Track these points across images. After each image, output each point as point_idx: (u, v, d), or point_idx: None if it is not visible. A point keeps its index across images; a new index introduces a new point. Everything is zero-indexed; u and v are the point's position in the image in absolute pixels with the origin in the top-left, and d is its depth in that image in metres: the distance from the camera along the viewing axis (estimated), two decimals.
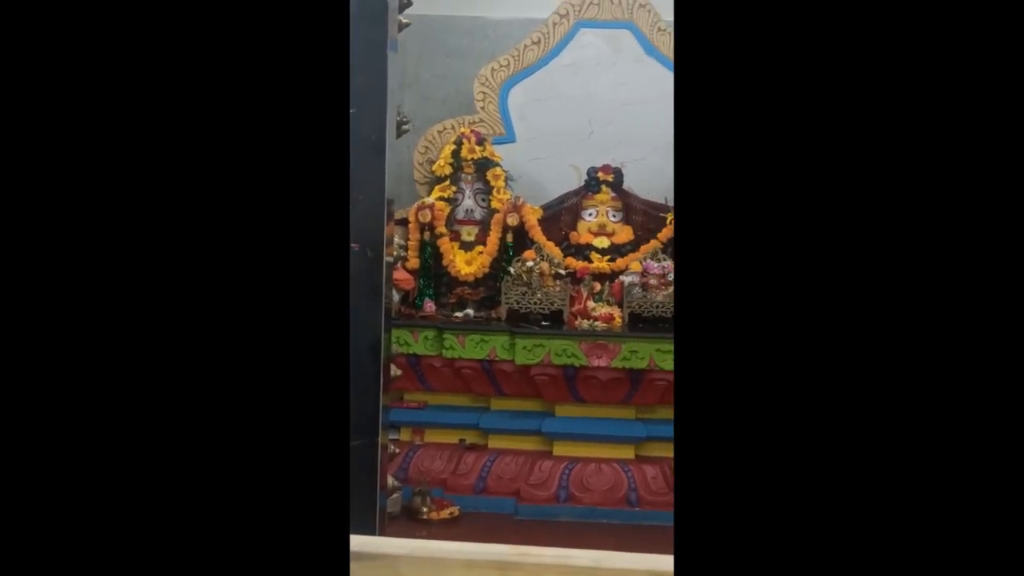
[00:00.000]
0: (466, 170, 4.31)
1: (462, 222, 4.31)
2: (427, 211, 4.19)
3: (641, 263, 4.05)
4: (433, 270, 4.24)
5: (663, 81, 4.47)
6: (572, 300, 4.00)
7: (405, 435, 4.17)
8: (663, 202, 4.31)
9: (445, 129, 4.52)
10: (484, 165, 4.31)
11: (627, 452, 3.93)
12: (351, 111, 1.67)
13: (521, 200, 4.24)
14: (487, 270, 4.21)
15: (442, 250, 4.22)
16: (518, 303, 3.97)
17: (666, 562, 1.09)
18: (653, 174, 4.39)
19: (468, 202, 4.32)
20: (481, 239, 4.27)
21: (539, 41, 4.56)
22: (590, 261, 4.15)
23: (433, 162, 4.41)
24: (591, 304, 4.01)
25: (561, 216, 4.34)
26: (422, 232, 4.21)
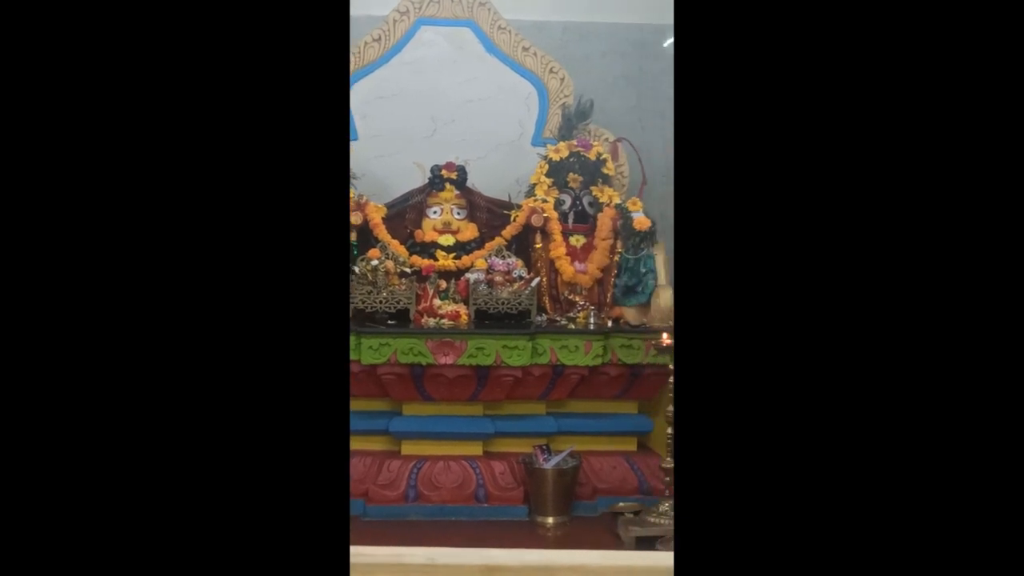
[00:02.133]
0: None
1: None
2: None
3: (486, 260, 4.08)
4: None
5: (504, 79, 4.51)
6: (418, 298, 3.98)
7: None
8: (507, 199, 4.36)
9: None
10: None
11: (475, 449, 3.95)
12: None
13: (365, 199, 4.19)
14: None
15: None
16: (364, 302, 3.92)
17: (501, 555, 1.10)
18: (496, 171, 4.42)
19: None
20: None
21: (380, 38, 4.52)
22: (435, 259, 4.15)
23: None
24: (437, 302, 4.00)
25: (406, 214, 4.31)
26: None
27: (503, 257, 4.07)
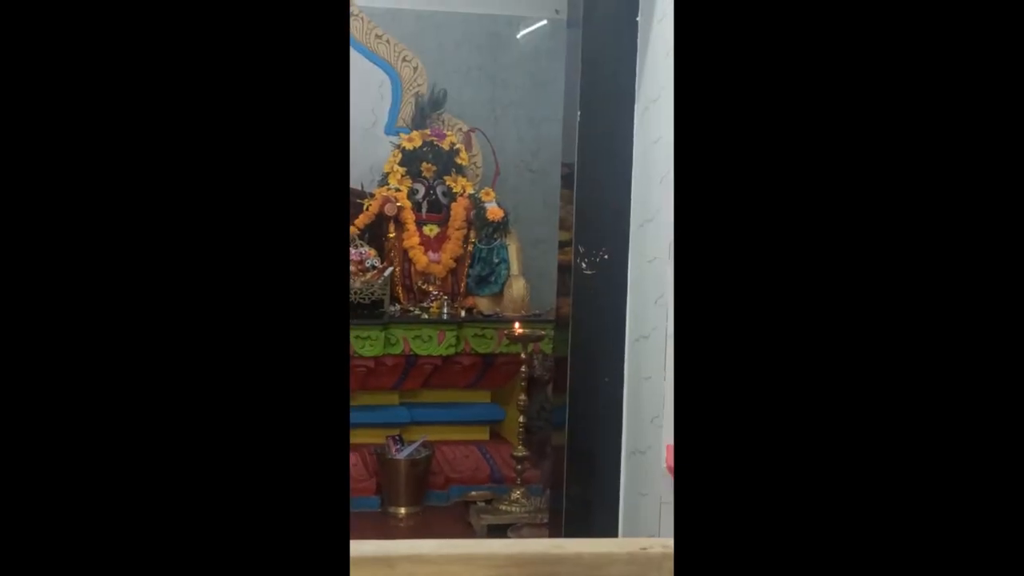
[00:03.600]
0: None
1: None
2: None
3: None
4: None
5: (357, 67, 4.45)
6: None
7: None
8: (359, 188, 4.30)
9: None
10: None
11: None
12: None
13: None
14: None
15: None
16: None
17: (359, 547, 1.08)
18: (350, 160, 4.36)
19: None
20: None
21: None
22: None
23: None
24: None
25: None
26: None
27: (356, 246, 4.03)
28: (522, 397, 3.53)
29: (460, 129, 4.46)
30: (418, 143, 4.24)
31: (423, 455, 3.77)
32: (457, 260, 4.16)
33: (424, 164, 4.22)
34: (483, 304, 4.09)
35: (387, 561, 1.07)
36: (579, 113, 2.47)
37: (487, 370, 4.02)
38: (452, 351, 3.90)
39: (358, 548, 1.07)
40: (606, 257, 2.46)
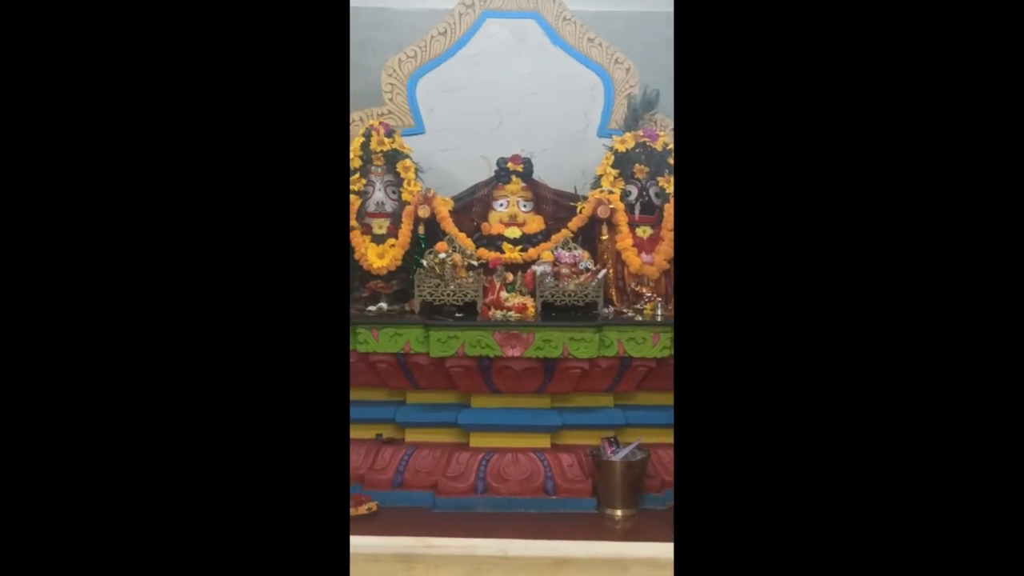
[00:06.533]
0: (376, 162, 4.26)
1: (373, 215, 4.27)
2: None
3: (553, 252, 4.07)
4: None
5: (569, 71, 4.50)
6: (485, 291, 4.00)
7: None
8: (572, 191, 4.34)
9: (354, 121, 4.48)
10: (394, 157, 4.27)
11: (543, 441, 3.95)
12: None
13: (432, 192, 4.22)
14: (399, 263, 4.18)
15: (353, 244, 4.17)
16: (431, 295, 3.95)
17: (570, 547, 1.10)
18: (562, 163, 4.42)
19: (379, 195, 4.28)
20: (392, 232, 4.24)
21: (445, 32, 4.55)
22: (502, 251, 4.16)
23: None
24: (504, 294, 4.01)
25: (472, 207, 4.33)
26: None
27: (569, 249, 4.06)
28: None
29: (673, 129, 4.41)
30: (631, 144, 4.22)
31: (639, 457, 3.75)
32: (670, 261, 4.11)
33: (636, 166, 4.20)
34: None
35: (618, 563, 1.07)
36: None
37: None
38: (666, 353, 3.86)
39: (590, 549, 1.07)
40: None
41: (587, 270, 4.01)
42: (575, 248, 4.08)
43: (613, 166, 4.23)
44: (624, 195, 4.19)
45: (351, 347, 3.90)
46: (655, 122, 4.40)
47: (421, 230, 4.17)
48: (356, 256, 4.17)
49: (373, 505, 3.71)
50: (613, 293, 4.14)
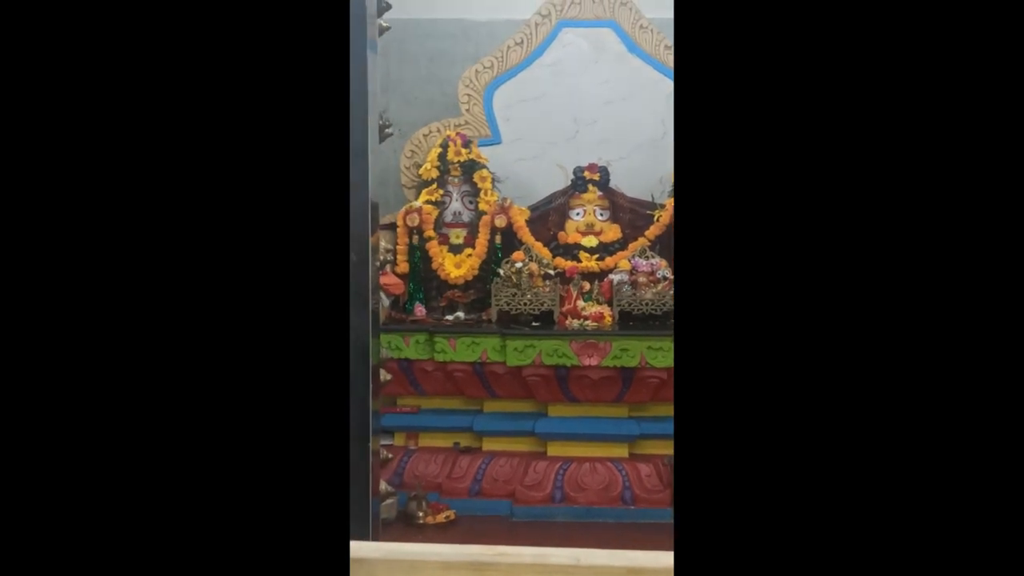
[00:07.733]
0: (453, 173, 4.30)
1: (450, 225, 4.31)
2: (415, 215, 4.18)
3: (630, 261, 4.05)
4: (423, 274, 4.24)
5: (646, 78, 4.47)
6: (562, 300, 4.00)
7: (399, 440, 4.16)
8: (649, 199, 4.31)
9: (431, 132, 4.52)
10: (471, 167, 4.30)
11: (621, 450, 3.92)
12: None
13: (509, 201, 4.24)
14: (476, 272, 4.21)
15: (431, 253, 4.21)
16: (508, 304, 3.96)
17: (645, 557, 1.09)
18: (639, 171, 4.39)
19: (456, 205, 4.32)
20: (470, 241, 4.27)
21: (522, 42, 4.56)
22: (579, 260, 4.15)
23: (419, 165, 4.41)
24: (581, 303, 4.00)
25: (549, 216, 4.33)
26: (410, 236, 4.21)
27: (647, 258, 4.04)
28: None
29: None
30: None
31: None
32: None
33: None
34: None
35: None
36: None
37: None
38: None
39: (663, 560, 1.07)
40: None
41: (665, 278, 3.97)
42: (652, 256, 4.05)
43: None
44: None
45: (429, 356, 3.94)
46: None
47: (498, 240, 4.19)
48: (434, 266, 4.21)
49: (451, 513, 3.73)
50: None
